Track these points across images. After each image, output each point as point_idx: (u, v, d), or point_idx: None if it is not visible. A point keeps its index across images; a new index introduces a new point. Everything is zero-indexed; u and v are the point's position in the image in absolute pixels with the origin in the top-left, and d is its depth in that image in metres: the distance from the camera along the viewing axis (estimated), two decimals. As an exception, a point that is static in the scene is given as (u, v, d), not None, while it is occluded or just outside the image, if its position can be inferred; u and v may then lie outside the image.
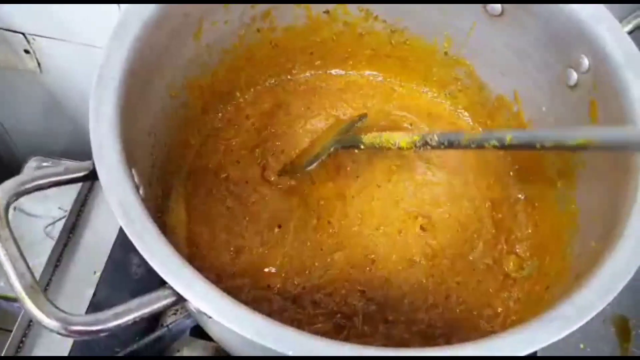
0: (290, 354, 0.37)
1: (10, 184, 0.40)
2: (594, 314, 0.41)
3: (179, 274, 0.39)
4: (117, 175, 0.42)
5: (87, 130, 1.24)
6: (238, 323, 0.38)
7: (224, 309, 0.38)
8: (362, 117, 0.70)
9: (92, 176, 0.43)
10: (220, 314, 0.38)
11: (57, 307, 0.37)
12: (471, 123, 0.72)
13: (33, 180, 0.41)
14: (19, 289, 0.37)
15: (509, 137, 0.52)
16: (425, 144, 0.57)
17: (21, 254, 0.38)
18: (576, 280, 0.47)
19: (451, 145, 0.56)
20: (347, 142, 0.66)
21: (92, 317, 0.37)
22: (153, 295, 0.39)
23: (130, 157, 0.45)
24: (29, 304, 0.36)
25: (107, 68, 0.47)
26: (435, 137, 0.57)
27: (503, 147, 0.52)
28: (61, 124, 1.18)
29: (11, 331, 0.63)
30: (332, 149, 0.66)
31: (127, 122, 0.46)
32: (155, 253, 0.39)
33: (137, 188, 0.43)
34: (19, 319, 0.62)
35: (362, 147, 0.64)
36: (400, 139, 0.60)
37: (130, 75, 0.48)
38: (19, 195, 0.40)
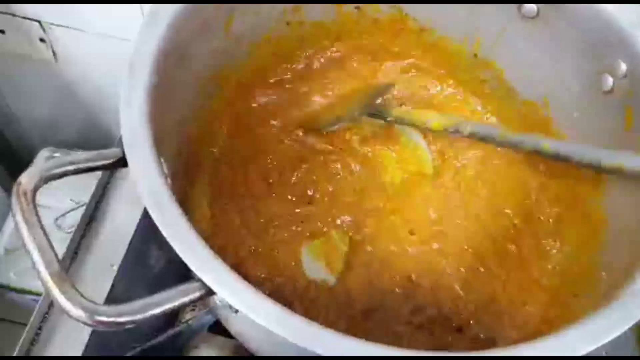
0: (322, 353, 0.36)
1: (37, 168, 0.39)
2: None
3: (210, 266, 0.38)
4: (148, 164, 0.41)
5: (99, 121, 1.24)
6: (270, 319, 0.36)
7: (255, 304, 0.37)
8: (390, 86, 0.68)
9: (120, 163, 0.42)
10: (251, 309, 0.37)
11: (84, 296, 0.36)
12: (498, 124, 0.70)
13: (61, 165, 0.40)
14: (46, 277, 0.36)
15: (545, 145, 0.50)
16: (457, 131, 0.56)
17: (49, 242, 0.37)
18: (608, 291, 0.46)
19: (483, 139, 0.55)
20: (376, 111, 0.64)
21: (119, 308, 0.36)
22: (181, 288, 0.38)
23: (159, 147, 0.44)
24: (56, 292, 0.35)
25: (139, 55, 0.46)
26: (469, 127, 0.55)
27: (537, 153, 0.51)
28: (74, 114, 1.18)
29: (24, 324, 0.61)
30: (356, 114, 0.64)
31: (157, 110, 0.46)
32: (186, 245, 0.38)
33: (165, 178, 0.42)
34: (35, 310, 0.61)
35: (389, 119, 0.62)
36: (432, 119, 0.59)
37: (161, 64, 0.48)
38: (46, 179, 0.39)
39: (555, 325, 0.54)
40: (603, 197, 0.56)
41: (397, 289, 0.60)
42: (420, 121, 0.59)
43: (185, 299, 0.38)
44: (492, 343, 0.58)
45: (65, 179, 1.12)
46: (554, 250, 0.62)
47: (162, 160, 0.44)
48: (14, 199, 0.37)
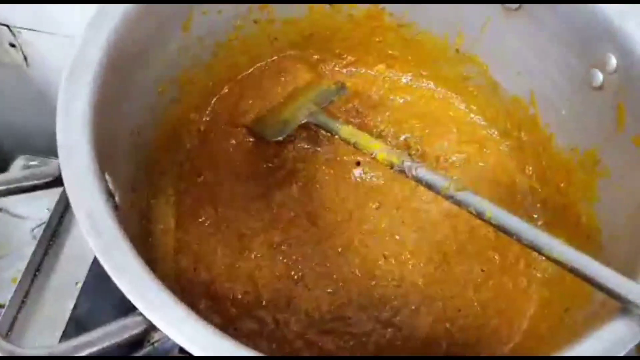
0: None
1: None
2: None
3: (149, 297, 0.34)
4: (85, 182, 0.37)
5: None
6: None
7: (200, 341, 0.33)
8: (342, 88, 0.65)
9: (59, 182, 0.38)
10: (196, 345, 0.33)
11: (5, 340, 0.32)
12: (483, 123, 0.67)
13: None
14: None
15: (488, 214, 0.46)
16: (402, 171, 0.52)
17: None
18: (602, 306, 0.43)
19: (429, 188, 0.50)
20: (322, 122, 0.60)
21: (44, 350, 0.32)
22: (121, 323, 0.34)
23: (106, 160, 0.40)
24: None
25: (81, 60, 0.43)
26: (415, 172, 0.51)
27: (479, 219, 0.47)
28: (49, 120, 1.14)
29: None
30: (303, 121, 0.61)
31: (103, 120, 0.42)
32: (123, 272, 0.34)
33: (111, 195, 0.38)
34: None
35: (335, 135, 0.59)
36: (379, 151, 0.54)
37: (108, 69, 0.44)
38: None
39: (545, 341, 0.51)
40: (596, 203, 0.52)
41: (370, 299, 0.57)
42: (367, 148, 0.55)
43: (127, 335, 0.34)
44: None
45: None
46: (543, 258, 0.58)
47: (107, 175, 0.40)
48: None
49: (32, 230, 1.09)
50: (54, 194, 1.09)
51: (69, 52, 0.95)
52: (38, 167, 0.37)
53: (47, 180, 0.38)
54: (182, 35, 0.54)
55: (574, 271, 0.41)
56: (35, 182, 0.37)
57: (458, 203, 0.48)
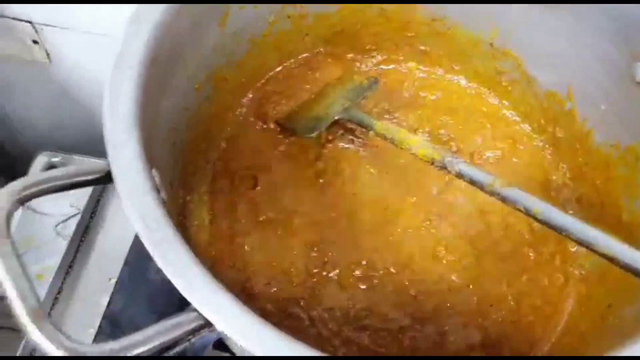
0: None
1: (12, 188, 0.35)
2: None
3: (205, 294, 0.33)
4: (134, 178, 0.37)
5: (98, 124, 1.20)
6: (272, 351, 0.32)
7: (257, 337, 0.32)
8: (374, 83, 0.64)
9: (107, 179, 0.38)
10: (254, 343, 0.32)
11: (65, 335, 0.31)
12: (517, 119, 0.66)
13: (39, 183, 0.36)
14: (20, 313, 0.31)
15: (535, 209, 0.46)
16: (444, 167, 0.51)
17: (24, 273, 0.32)
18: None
19: (472, 183, 0.50)
20: (357, 118, 0.59)
21: (104, 347, 0.32)
22: (175, 320, 0.34)
23: (151, 157, 0.40)
24: (33, 331, 0.31)
25: (125, 56, 0.42)
26: (457, 168, 0.50)
27: (526, 215, 0.47)
28: (72, 116, 1.16)
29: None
30: (336, 117, 0.60)
31: (147, 117, 0.41)
32: (179, 270, 0.34)
33: (158, 191, 0.38)
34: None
35: (370, 131, 0.58)
36: (418, 147, 0.54)
37: (150, 65, 0.43)
38: (22, 201, 0.35)
39: (586, 339, 0.50)
40: (638, 200, 0.51)
41: (406, 296, 0.57)
42: (405, 144, 0.54)
43: (181, 332, 0.34)
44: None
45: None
46: (581, 255, 0.57)
47: (154, 171, 0.39)
48: (-16, 227, 0.33)
49: (56, 226, 1.10)
50: (77, 190, 1.10)
51: (92, 48, 0.96)
52: (87, 164, 0.37)
53: (97, 176, 0.37)
54: (219, 32, 0.54)
55: (627, 267, 0.40)
56: (86, 177, 0.37)
57: (503, 199, 0.48)
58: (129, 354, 0.32)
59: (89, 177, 0.38)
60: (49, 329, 0.31)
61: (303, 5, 0.60)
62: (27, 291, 0.32)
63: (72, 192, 1.08)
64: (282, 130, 0.63)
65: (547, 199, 0.60)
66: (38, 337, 0.31)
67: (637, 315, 0.44)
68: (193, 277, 0.34)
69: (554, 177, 0.62)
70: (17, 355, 0.56)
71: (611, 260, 0.41)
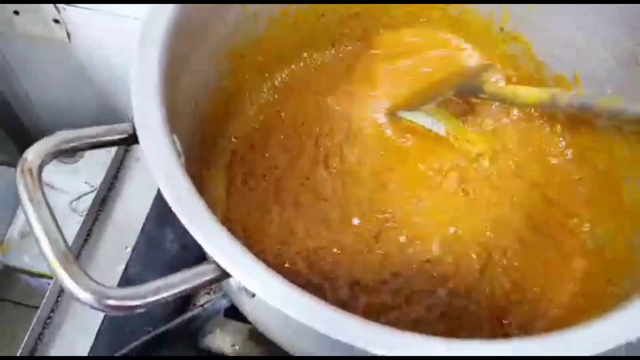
0: (342, 339, 0.34)
1: (44, 143, 0.37)
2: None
3: (224, 247, 0.35)
4: (160, 140, 0.39)
5: (114, 105, 1.23)
6: (287, 302, 0.34)
7: (273, 287, 0.34)
8: (489, 67, 0.66)
9: (131, 140, 0.40)
10: (268, 292, 0.34)
11: (92, 279, 0.33)
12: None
13: (68, 141, 0.38)
14: (51, 257, 0.33)
15: None
16: (554, 105, 0.55)
17: (54, 220, 0.35)
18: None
19: (583, 109, 0.53)
20: (468, 88, 0.63)
21: (130, 290, 0.34)
22: (194, 270, 0.36)
23: (172, 124, 0.42)
24: (62, 274, 0.33)
25: (151, 27, 0.44)
26: (565, 98, 0.53)
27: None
28: (89, 96, 1.17)
29: (37, 308, 0.60)
30: (451, 93, 0.63)
31: (169, 85, 0.43)
32: (199, 224, 0.36)
33: (179, 155, 0.40)
34: (47, 294, 0.60)
35: (483, 96, 0.61)
36: (526, 93, 0.57)
37: (174, 37, 0.45)
38: (53, 155, 0.37)
39: (589, 313, 0.52)
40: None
41: (419, 265, 0.58)
42: (514, 95, 0.58)
43: (199, 282, 0.36)
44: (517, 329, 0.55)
45: (80, 161, 1.10)
46: (585, 229, 0.59)
47: (175, 137, 0.41)
48: (18, 176, 0.35)
49: (71, 203, 1.12)
50: (92, 167, 1.12)
51: (112, 29, 0.98)
52: (113, 125, 0.39)
53: (122, 136, 0.39)
54: (240, 10, 0.56)
55: None
56: (112, 137, 0.39)
57: (615, 114, 0.52)
58: (151, 299, 0.34)
59: (116, 137, 0.39)
60: (76, 271, 0.33)
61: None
62: (57, 237, 0.34)
63: (86, 169, 1.10)
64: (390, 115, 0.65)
65: (551, 182, 0.62)
66: (66, 279, 0.33)
67: (633, 284, 0.46)
68: (212, 231, 0.36)
69: (560, 160, 0.64)
70: (18, 355, 0.58)
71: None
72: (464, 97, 0.64)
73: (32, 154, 0.36)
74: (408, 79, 0.67)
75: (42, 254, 0.33)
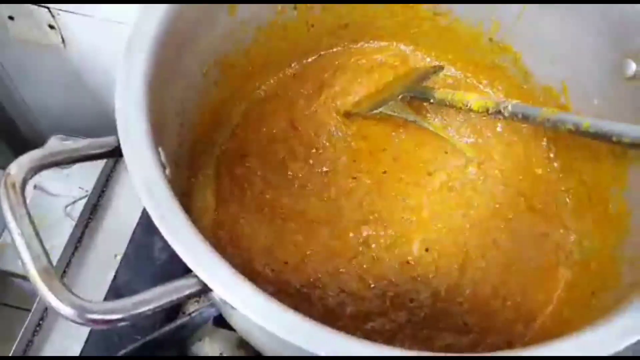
0: (323, 354, 0.34)
1: (28, 157, 0.37)
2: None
3: (204, 261, 0.36)
4: (143, 153, 0.39)
5: (110, 108, 1.23)
6: (266, 318, 0.35)
7: (251, 301, 0.35)
8: (438, 69, 0.67)
9: (116, 153, 0.40)
10: (248, 307, 0.35)
11: (73, 294, 0.34)
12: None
13: (52, 155, 0.38)
14: (32, 272, 0.34)
15: (585, 123, 0.50)
16: (498, 112, 0.56)
17: (37, 234, 0.35)
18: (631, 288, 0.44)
19: (525, 119, 0.55)
20: (418, 92, 0.64)
21: (111, 304, 0.34)
22: (176, 283, 0.36)
23: (157, 135, 0.42)
24: (43, 289, 0.34)
25: (137, 38, 0.44)
26: (510, 107, 0.55)
27: (577, 133, 0.51)
28: (84, 101, 1.18)
29: (30, 311, 0.61)
30: (400, 96, 0.64)
31: (155, 97, 0.44)
32: (180, 238, 0.36)
33: (163, 167, 0.40)
34: (36, 302, 0.60)
35: (432, 100, 0.63)
36: (473, 100, 0.59)
37: (160, 48, 0.46)
38: (36, 170, 0.37)
39: (572, 325, 0.52)
40: (626, 189, 0.53)
41: (401, 267, 0.59)
42: (462, 102, 0.60)
43: (181, 295, 0.36)
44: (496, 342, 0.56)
45: (73, 167, 1.10)
46: (571, 240, 0.60)
47: (160, 149, 0.42)
48: (1, 190, 0.35)
49: (65, 207, 1.12)
50: (86, 173, 1.12)
51: (106, 34, 0.98)
52: (97, 139, 0.39)
53: (106, 150, 0.40)
54: (228, 19, 0.56)
55: None
56: (96, 151, 0.39)
57: (554, 124, 0.53)
58: (132, 312, 0.34)
59: (100, 151, 0.40)
60: (58, 286, 0.34)
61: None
62: (39, 252, 0.34)
63: (80, 174, 1.11)
64: (347, 117, 0.67)
65: (537, 191, 0.63)
66: (47, 294, 0.33)
67: (617, 298, 0.46)
68: (193, 245, 0.36)
69: (546, 170, 0.64)
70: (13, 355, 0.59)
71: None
72: (415, 100, 0.65)
73: (16, 169, 0.36)
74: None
75: (24, 269, 0.34)
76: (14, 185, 0.35)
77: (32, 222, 0.35)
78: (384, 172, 0.63)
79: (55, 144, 0.39)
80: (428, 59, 0.70)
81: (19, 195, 0.35)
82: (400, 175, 0.63)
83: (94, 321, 0.34)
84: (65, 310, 0.33)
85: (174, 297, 0.36)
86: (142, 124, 0.40)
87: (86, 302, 0.34)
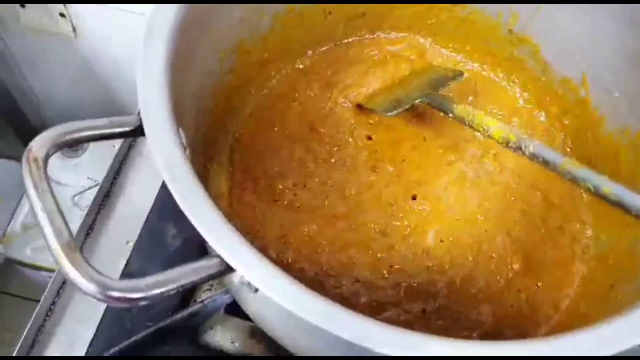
0: (345, 336, 0.33)
1: (50, 133, 0.37)
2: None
3: (229, 241, 0.35)
4: (164, 133, 0.39)
5: (117, 99, 1.23)
6: (288, 298, 0.34)
7: (276, 282, 0.34)
8: (459, 74, 0.65)
9: (137, 132, 0.40)
10: (271, 287, 0.34)
11: (95, 269, 0.33)
12: (530, 106, 0.67)
13: (74, 131, 0.38)
14: (55, 247, 0.33)
15: (605, 188, 0.47)
16: (519, 148, 0.53)
17: (59, 210, 0.34)
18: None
19: (545, 164, 0.51)
20: (437, 102, 0.61)
21: (133, 282, 0.34)
22: (198, 264, 0.36)
23: (177, 117, 0.42)
24: (66, 264, 0.33)
25: (157, 19, 0.44)
26: (531, 148, 0.52)
27: (596, 194, 0.48)
28: (93, 91, 1.18)
29: (37, 301, 0.60)
30: (418, 101, 0.62)
31: (174, 81, 0.43)
32: (202, 217, 0.36)
33: (184, 148, 0.40)
34: (49, 285, 0.60)
35: (450, 115, 0.60)
36: (494, 128, 0.55)
37: (179, 30, 0.45)
38: (58, 146, 0.37)
39: (591, 319, 0.51)
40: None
41: (415, 256, 0.59)
42: (482, 126, 0.56)
43: (203, 276, 0.36)
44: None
45: (82, 157, 1.10)
46: (588, 234, 0.59)
47: (181, 131, 0.41)
48: (24, 165, 0.35)
49: (73, 197, 1.12)
50: (95, 163, 1.12)
51: (117, 24, 0.98)
52: (118, 117, 0.39)
53: (127, 129, 0.39)
54: (245, 5, 0.56)
55: None
56: (117, 129, 0.39)
57: (574, 179, 0.49)
58: (153, 291, 0.34)
59: (120, 130, 0.39)
60: (80, 261, 0.33)
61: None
62: (61, 227, 0.34)
63: (88, 165, 1.10)
64: (361, 110, 0.66)
65: (553, 185, 0.62)
66: (69, 269, 0.33)
67: (637, 289, 0.46)
68: (216, 225, 0.36)
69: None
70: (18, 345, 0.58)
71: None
72: (434, 108, 0.63)
73: (37, 144, 0.36)
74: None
75: (46, 243, 0.33)
76: (36, 160, 0.35)
77: (54, 197, 0.34)
78: (403, 161, 0.63)
79: (76, 122, 0.38)
80: (445, 51, 0.70)
81: (42, 170, 0.35)
82: (419, 164, 0.63)
83: (115, 299, 0.33)
84: (87, 286, 0.33)
85: (196, 277, 0.35)
86: (164, 104, 0.40)
87: (108, 278, 0.33)
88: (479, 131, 0.56)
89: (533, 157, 0.52)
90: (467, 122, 0.57)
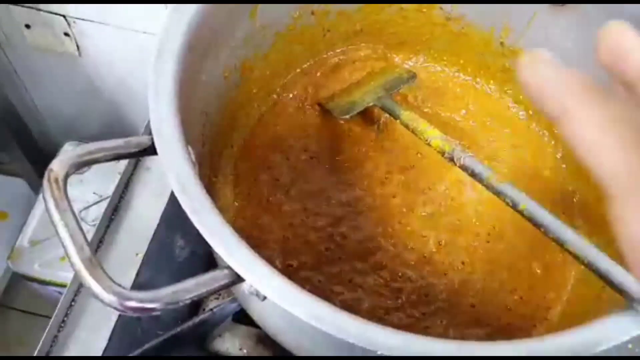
0: (352, 340, 0.36)
1: (69, 154, 0.39)
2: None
3: (237, 253, 0.38)
4: (175, 151, 0.41)
5: (122, 116, 1.26)
6: (296, 306, 0.36)
7: (284, 290, 0.37)
8: (412, 77, 0.68)
9: (149, 151, 0.42)
10: (280, 295, 0.36)
11: (114, 282, 0.36)
12: (523, 119, 0.70)
13: (92, 152, 0.40)
14: (77, 262, 0.36)
15: (522, 205, 0.49)
16: (451, 159, 0.56)
17: (79, 227, 0.37)
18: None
19: (473, 176, 0.54)
20: (387, 107, 0.64)
21: (149, 294, 0.36)
22: (210, 275, 0.38)
23: (186, 135, 0.44)
24: (88, 278, 0.35)
25: (167, 41, 0.46)
26: (462, 160, 0.54)
27: (514, 209, 0.50)
28: (97, 108, 1.20)
29: (46, 317, 0.62)
30: (369, 104, 0.65)
31: (184, 98, 0.46)
32: (214, 231, 0.38)
33: (193, 165, 0.42)
34: (62, 298, 0.62)
35: (397, 120, 0.62)
36: (433, 137, 0.57)
37: (188, 51, 0.47)
38: (77, 166, 0.39)
39: (584, 319, 0.54)
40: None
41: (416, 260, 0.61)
42: (423, 135, 0.58)
43: (214, 286, 0.38)
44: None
45: (87, 172, 1.12)
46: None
47: (190, 148, 0.44)
48: (45, 186, 0.37)
49: (79, 212, 1.14)
50: (100, 178, 1.14)
51: (121, 42, 1.00)
52: (132, 138, 0.41)
53: (141, 148, 0.42)
54: (249, 24, 0.58)
55: (597, 273, 0.44)
56: (132, 150, 0.41)
57: (497, 193, 0.51)
58: (169, 301, 0.36)
59: (135, 150, 0.42)
60: (101, 275, 0.35)
61: (327, 4, 0.64)
62: (82, 243, 0.36)
63: (94, 180, 1.12)
64: (322, 109, 0.68)
65: (545, 189, 0.64)
66: (91, 282, 0.35)
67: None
68: (226, 237, 0.38)
69: (554, 172, 0.66)
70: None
71: (584, 264, 0.45)
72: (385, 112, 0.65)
73: (58, 165, 0.38)
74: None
75: (69, 259, 0.36)
76: (57, 181, 0.37)
77: (74, 215, 0.37)
78: (410, 168, 0.66)
79: (90, 144, 0.41)
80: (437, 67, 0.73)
81: (62, 190, 0.37)
82: (423, 169, 0.65)
83: (133, 309, 0.36)
84: (108, 297, 0.35)
85: (208, 288, 0.38)
86: (174, 123, 0.42)
87: (126, 290, 0.36)
88: (420, 138, 0.59)
89: (463, 168, 0.54)
90: (411, 129, 0.60)
